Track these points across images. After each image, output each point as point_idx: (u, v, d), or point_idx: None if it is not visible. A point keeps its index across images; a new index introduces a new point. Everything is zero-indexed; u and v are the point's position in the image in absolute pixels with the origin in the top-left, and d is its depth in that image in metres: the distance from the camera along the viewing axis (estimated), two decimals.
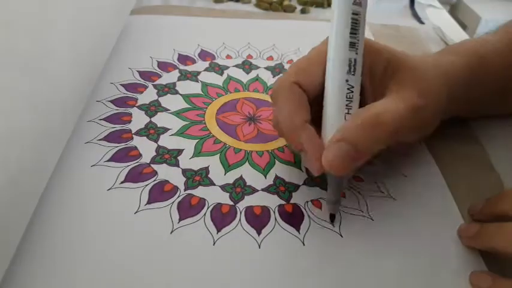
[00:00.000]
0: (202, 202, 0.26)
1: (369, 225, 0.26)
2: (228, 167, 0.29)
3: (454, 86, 0.29)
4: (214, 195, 0.27)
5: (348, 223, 0.26)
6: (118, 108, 0.33)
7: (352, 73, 0.25)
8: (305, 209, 0.27)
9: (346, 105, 0.25)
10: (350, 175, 0.29)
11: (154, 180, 0.27)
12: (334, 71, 0.25)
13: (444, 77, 0.28)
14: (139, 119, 0.32)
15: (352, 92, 0.25)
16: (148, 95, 0.35)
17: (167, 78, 0.37)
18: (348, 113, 0.25)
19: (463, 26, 1.25)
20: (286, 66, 0.40)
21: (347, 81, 0.25)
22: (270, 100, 0.35)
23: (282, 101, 0.26)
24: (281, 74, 0.28)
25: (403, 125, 0.25)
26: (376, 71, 0.27)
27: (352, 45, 0.25)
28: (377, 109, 0.24)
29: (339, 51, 0.25)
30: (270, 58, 0.41)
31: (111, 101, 0.33)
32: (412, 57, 0.28)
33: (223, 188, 0.27)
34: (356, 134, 0.24)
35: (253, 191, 0.28)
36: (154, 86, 0.36)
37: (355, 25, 0.24)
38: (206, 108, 0.34)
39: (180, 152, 0.30)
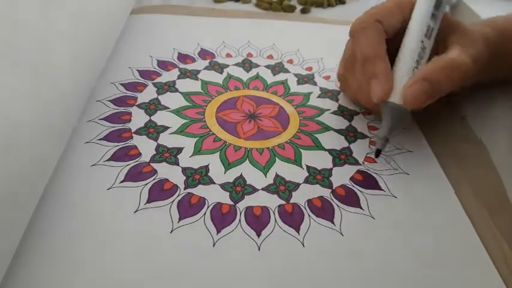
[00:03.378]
0: (202, 201, 0.26)
1: (369, 223, 0.26)
2: (228, 165, 0.29)
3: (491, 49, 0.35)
4: (214, 195, 0.27)
5: (349, 221, 0.26)
6: (118, 107, 0.33)
7: (428, 38, 0.30)
8: (305, 209, 0.27)
9: (416, 60, 0.30)
10: (408, 119, 0.34)
11: (154, 179, 0.27)
12: (414, 31, 0.30)
13: (485, 42, 0.34)
14: (138, 118, 0.32)
15: (424, 52, 0.30)
16: (148, 94, 0.34)
17: (167, 76, 0.37)
18: (416, 67, 0.30)
19: None
20: (286, 65, 0.40)
21: (422, 42, 0.30)
22: (270, 98, 0.35)
23: (367, 33, 0.30)
24: (360, 15, 0.32)
25: (469, 70, 0.29)
26: (440, 34, 0.32)
27: (433, 16, 0.30)
28: (451, 56, 0.29)
29: (423, 18, 0.30)
30: (270, 57, 0.41)
31: (111, 101, 0.33)
32: (461, 23, 0.33)
33: (223, 187, 0.27)
34: (435, 75, 0.29)
35: (253, 190, 0.27)
36: (154, 84, 0.36)
37: (439, 2, 0.30)
38: (206, 106, 0.34)
39: (179, 150, 0.30)
